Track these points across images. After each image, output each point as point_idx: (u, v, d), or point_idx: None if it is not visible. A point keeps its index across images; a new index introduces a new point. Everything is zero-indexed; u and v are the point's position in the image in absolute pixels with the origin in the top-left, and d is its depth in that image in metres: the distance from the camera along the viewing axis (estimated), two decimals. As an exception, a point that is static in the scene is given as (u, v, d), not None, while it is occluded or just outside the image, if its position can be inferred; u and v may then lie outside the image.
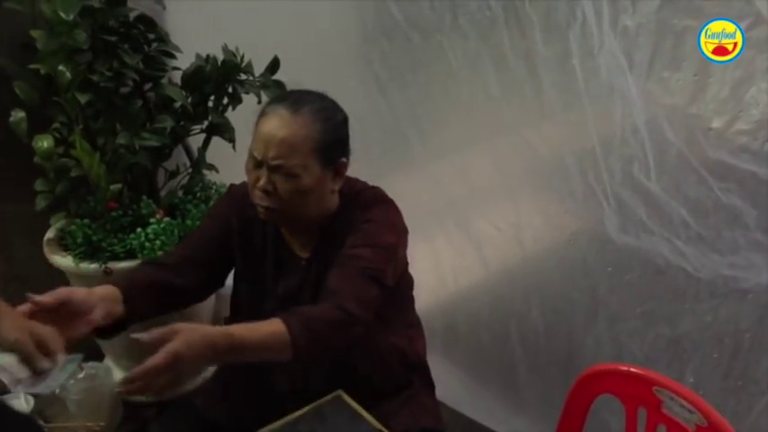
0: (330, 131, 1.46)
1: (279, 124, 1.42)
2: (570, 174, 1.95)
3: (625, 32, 1.72)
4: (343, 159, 1.51)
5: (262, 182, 1.43)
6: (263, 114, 1.47)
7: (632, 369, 1.44)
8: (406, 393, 1.65)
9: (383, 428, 1.42)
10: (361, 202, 1.56)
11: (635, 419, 1.43)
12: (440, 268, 2.42)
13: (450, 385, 2.28)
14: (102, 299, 1.38)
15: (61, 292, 1.31)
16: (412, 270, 1.66)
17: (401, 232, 1.57)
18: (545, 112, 1.97)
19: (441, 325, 2.45)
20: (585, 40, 1.80)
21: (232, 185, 1.70)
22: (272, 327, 1.30)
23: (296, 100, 1.46)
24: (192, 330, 1.19)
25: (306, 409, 1.47)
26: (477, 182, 2.27)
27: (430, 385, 1.74)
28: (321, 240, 1.56)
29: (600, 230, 1.90)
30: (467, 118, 2.23)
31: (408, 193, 2.38)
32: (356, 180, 1.62)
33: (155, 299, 1.49)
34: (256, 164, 1.44)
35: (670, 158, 1.70)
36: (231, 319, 1.68)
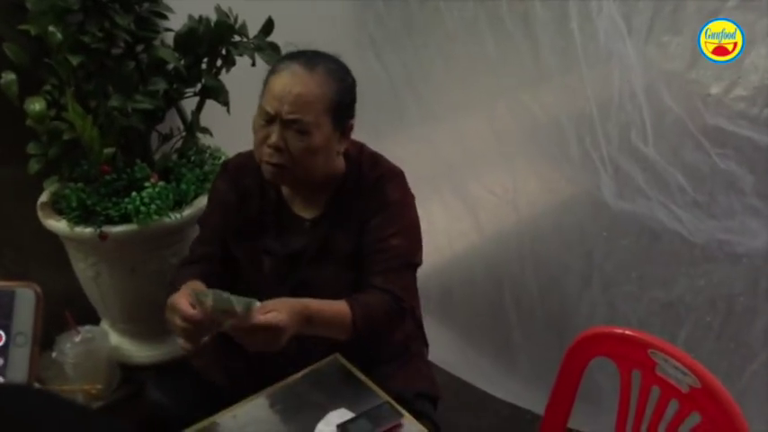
0: (343, 92, 1.49)
1: (294, 80, 1.43)
2: (567, 139, 1.95)
3: (625, -4, 1.70)
4: (351, 122, 1.54)
5: (273, 138, 1.44)
6: (275, 71, 1.48)
7: (627, 332, 1.46)
8: (402, 358, 1.67)
9: (379, 390, 1.44)
10: (376, 170, 1.58)
11: (629, 381, 1.46)
12: (435, 232, 2.43)
13: (445, 348, 2.30)
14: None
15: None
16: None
17: (414, 201, 1.62)
18: (542, 76, 1.97)
19: (436, 289, 2.46)
20: (584, 4, 1.79)
21: (225, 162, 1.72)
22: (339, 307, 1.43)
23: (310, 58, 1.48)
24: (284, 302, 1.35)
25: (303, 371, 1.49)
26: (473, 146, 2.26)
27: (425, 350, 1.76)
28: (329, 203, 1.58)
29: (596, 195, 1.90)
30: (463, 81, 2.22)
31: (404, 157, 2.37)
32: (362, 144, 1.63)
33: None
34: (268, 120, 1.45)
35: (668, 124, 1.70)
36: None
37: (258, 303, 1.30)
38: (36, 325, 0.72)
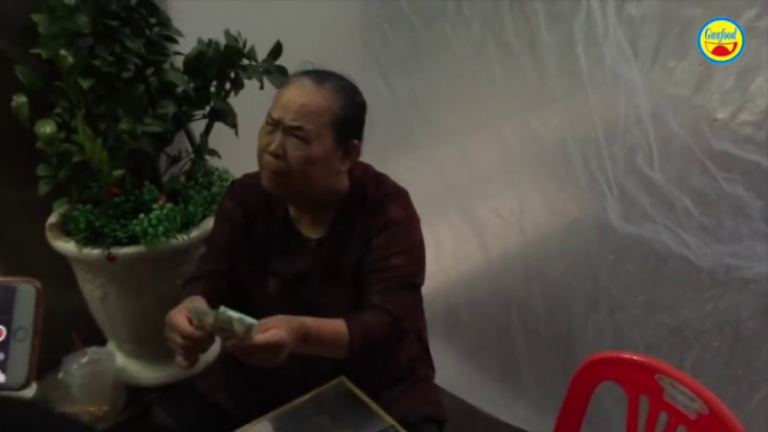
0: (349, 109, 1.51)
1: (302, 91, 1.47)
2: (573, 162, 1.95)
3: (630, 21, 1.71)
4: (356, 142, 1.54)
5: (273, 145, 1.46)
6: (286, 83, 1.53)
7: (635, 357, 1.46)
8: (408, 381, 1.66)
9: (385, 414, 1.44)
10: (380, 190, 1.59)
11: (637, 407, 1.44)
12: (441, 254, 2.43)
13: (450, 371, 2.29)
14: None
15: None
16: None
17: (418, 222, 1.62)
18: (548, 98, 1.97)
19: (441, 310, 2.46)
20: (590, 28, 1.80)
21: (232, 181, 1.74)
22: (336, 325, 1.43)
23: (320, 74, 1.51)
24: (279, 318, 1.35)
25: (308, 395, 1.49)
26: (480, 168, 2.27)
27: (431, 373, 1.75)
28: (334, 223, 1.58)
29: (602, 218, 1.90)
30: (470, 104, 2.23)
31: (410, 179, 2.37)
32: (367, 165, 1.65)
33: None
34: (272, 126, 1.47)
35: (674, 148, 1.70)
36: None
37: (257, 324, 1.30)
38: (36, 320, 0.73)
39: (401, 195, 1.61)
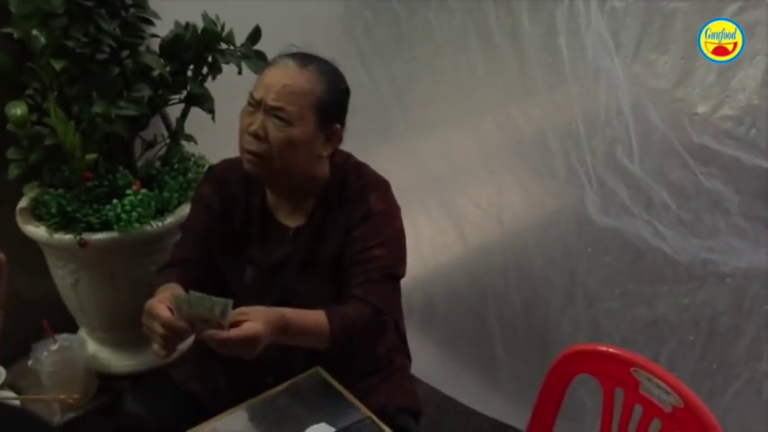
0: (332, 93, 1.50)
1: (285, 72, 1.46)
2: (553, 154, 1.95)
3: (613, 13, 1.71)
4: (338, 126, 1.53)
5: (254, 125, 1.44)
6: (270, 64, 1.52)
7: (611, 350, 1.47)
8: (384, 372, 1.66)
9: (360, 405, 1.43)
10: (361, 179, 1.58)
11: (612, 399, 1.45)
12: (419, 244, 2.42)
13: (427, 361, 2.29)
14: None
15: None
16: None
17: (399, 212, 1.61)
18: (529, 90, 1.97)
19: (419, 301, 2.46)
20: (573, 20, 1.80)
21: (210, 167, 1.72)
22: (316, 316, 1.43)
23: (305, 57, 1.50)
24: (257, 310, 1.34)
25: (283, 385, 1.48)
26: (459, 159, 2.26)
27: (408, 363, 1.75)
28: (313, 212, 1.57)
29: (581, 211, 1.90)
30: (450, 94, 2.22)
31: (390, 169, 2.35)
32: (348, 153, 1.63)
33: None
34: (253, 106, 1.46)
35: (654, 142, 1.71)
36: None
37: (231, 303, 1.30)
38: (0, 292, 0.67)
39: (382, 185, 1.59)
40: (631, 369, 1.39)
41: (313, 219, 1.57)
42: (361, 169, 1.61)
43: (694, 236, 1.69)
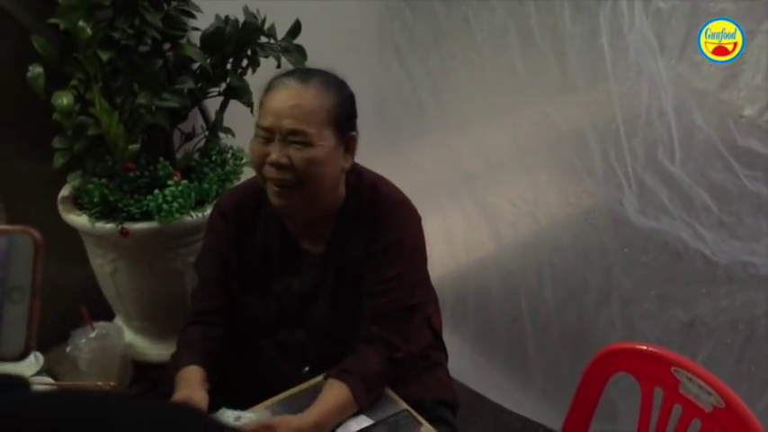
0: (341, 102, 1.44)
1: (290, 93, 1.39)
2: (591, 153, 1.94)
3: (658, 14, 1.71)
4: (353, 133, 1.48)
5: (274, 155, 1.37)
6: (269, 89, 1.43)
7: (651, 348, 1.46)
8: (420, 366, 1.65)
9: (398, 398, 1.44)
10: (376, 204, 1.51)
11: (651, 399, 1.45)
12: (453, 241, 2.43)
13: (458, 358, 2.29)
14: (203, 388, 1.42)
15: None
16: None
17: (417, 229, 1.55)
18: (569, 88, 1.97)
19: (451, 298, 2.46)
20: (616, 20, 1.79)
21: (218, 204, 1.62)
22: (340, 398, 1.38)
23: (303, 73, 1.45)
24: (287, 426, 1.30)
25: (320, 376, 1.48)
26: (495, 156, 2.26)
27: (444, 359, 1.75)
28: (335, 235, 1.51)
29: (618, 211, 1.90)
30: (488, 92, 2.22)
31: (425, 165, 2.39)
32: (361, 171, 1.56)
33: (227, 354, 1.55)
34: (266, 138, 1.39)
35: (696, 143, 1.70)
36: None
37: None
38: (35, 277, 0.60)
39: (396, 207, 1.52)
40: (672, 368, 1.38)
41: (334, 244, 1.51)
42: (376, 190, 1.53)
43: (735, 238, 1.68)
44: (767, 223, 1.61)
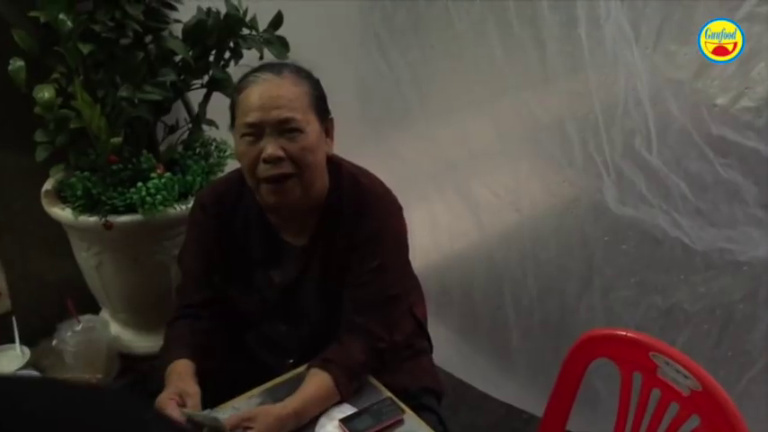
0: (315, 87, 1.46)
1: (269, 86, 1.39)
2: (571, 142, 1.96)
3: (633, 3, 1.72)
4: (331, 117, 1.50)
5: (270, 149, 1.37)
6: (243, 87, 1.42)
7: (630, 334, 1.47)
8: (404, 354, 1.67)
9: (381, 386, 1.46)
10: (357, 197, 1.51)
11: (630, 384, 1.47)
12: (436, 231, 2.44)
13: (442, 347, 2.30)
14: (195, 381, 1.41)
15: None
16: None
17: (399, 218, 1.56)
18: (548, 78, 1.98)
19: (435, 287, 2.47)
20: (592, 9, 1.80)
21: (199, 198, 1.62)
22: (322, 386, 1.39)
23: (273, 66, 1.45)
24: (267, 415, 1.31)
25: (304, 366, 1.48)
26: (477, 146, 2.27)
27: (429, 348, 1.77)
28: (318, 226, 1.51)
29: (598, 200, 1.92)
30: (469, 82, 2.23)
31: (407, 156, 2.40)
32: (339, 161, 1.55)
33: (215, 347, 1.54)
34: (254, 133, 1.38)
35: (672, 132, 1.72)
36: None
37: (220, 421, 1.30)
38: None
39: (377, 200, 1.52)
40: (650, 353, 1.41)
41: (317, 235, 1.51)
42: (357, 182, 1.53)
43: (712, 225, 1.70)
44: (742, 211, 1.64)
